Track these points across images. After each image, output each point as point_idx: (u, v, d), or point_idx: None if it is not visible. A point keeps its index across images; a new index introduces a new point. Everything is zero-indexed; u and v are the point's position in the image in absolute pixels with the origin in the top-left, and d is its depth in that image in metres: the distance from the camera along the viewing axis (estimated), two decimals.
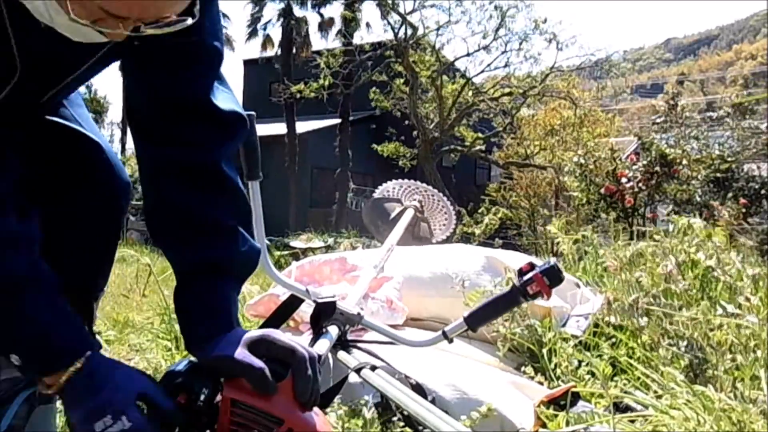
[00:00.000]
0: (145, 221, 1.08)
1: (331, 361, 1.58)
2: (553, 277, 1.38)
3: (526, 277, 1.39)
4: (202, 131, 1.01)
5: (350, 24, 17.66)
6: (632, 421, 1.26)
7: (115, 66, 1.02)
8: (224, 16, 23.78)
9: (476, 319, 1.46)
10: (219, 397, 0.92)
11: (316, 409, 0.94)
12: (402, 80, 14.23)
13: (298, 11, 21.20)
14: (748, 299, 1.52)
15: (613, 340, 1.85)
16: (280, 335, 0.95)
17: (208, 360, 0.94)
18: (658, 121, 8.67)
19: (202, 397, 0.91)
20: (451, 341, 1.50)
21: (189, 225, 1.01)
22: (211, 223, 1.01)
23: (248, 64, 24.89)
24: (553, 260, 1.41)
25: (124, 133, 26.77)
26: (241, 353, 0.91)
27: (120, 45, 0.87)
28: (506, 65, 15.00)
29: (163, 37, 0.80)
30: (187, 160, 1.00)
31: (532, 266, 1.41)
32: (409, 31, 13.95)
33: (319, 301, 1.57)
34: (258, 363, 0.90)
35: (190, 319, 1.00)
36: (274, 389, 0.89)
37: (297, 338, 1.49)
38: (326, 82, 14.25)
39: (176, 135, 1.00)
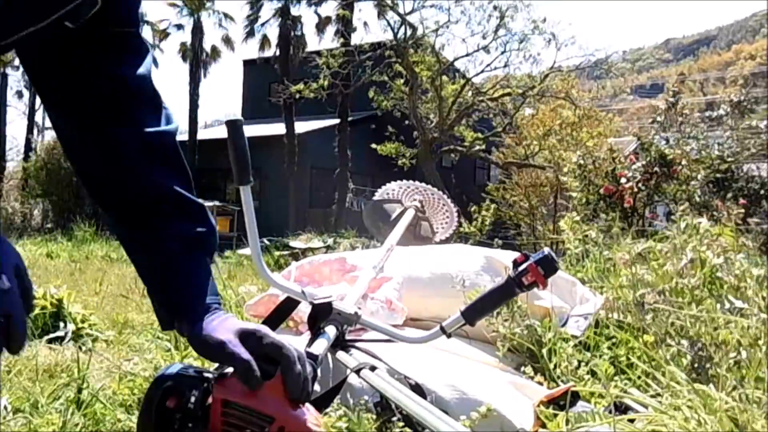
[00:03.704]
0: (102, 208, 1.05)
1: (330, 361, 1.58)
2: (547, 267, 1.38)
3: (520, 268, 1.40)
4: (154, 113, 1.03)
5: (348, 23, 17.66)
6: (632, 421, 1.26)
7: None
8: (227, 17, 23.82)
9: (473, 313, 1.46)
10: (210, 399, 0.92)
11: (308, 405, 0.94)
12: (402, 80, 14.24)
13: (294, 9, 21.19)
14: (750, 298, 1.52)
15: (614, 339, 1.84)
16: (271, 332, 0.96)
17: (198, 338, 0.94)
18: (658, 119, 8.64)
19: (193, 399, 0.91)
20: (449, 336, 1.50)
21: (167, 202, 1.01)
22: (187, 199, 1.02)
23: (248, 64, 24.90)
24: (546, 250, 1.41)
25: None
26: (232, 341, 0.91)
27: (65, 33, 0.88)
28: (506, 65, 15.04)
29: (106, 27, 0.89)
30: (150, 139, 1.01)
31: (526, 257, 1.41)
32: (409, 32, 13.96)
33: (315, 301, 1.56)
34: (245, 354, 0.90)
35: (183, 297, 0.99)
36: (258, 382, 0.89)
37: (295, 340, 1.48)
38: (325, 82, 14.27)
39: (131, 117, 1.01)
